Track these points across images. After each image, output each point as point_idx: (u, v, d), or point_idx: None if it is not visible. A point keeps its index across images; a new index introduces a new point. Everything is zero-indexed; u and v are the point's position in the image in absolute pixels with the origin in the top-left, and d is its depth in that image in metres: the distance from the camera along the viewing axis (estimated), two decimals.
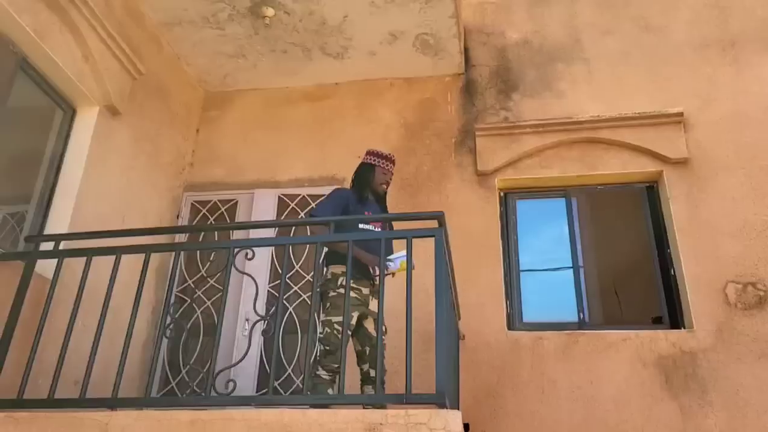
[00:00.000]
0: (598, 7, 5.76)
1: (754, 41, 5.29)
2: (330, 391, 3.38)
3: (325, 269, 3.69)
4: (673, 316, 4.61)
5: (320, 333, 3.50)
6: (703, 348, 4.31)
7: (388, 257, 3.52)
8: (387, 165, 3.93)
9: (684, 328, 4.47)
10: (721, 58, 5.29)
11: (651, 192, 5.09)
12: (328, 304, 3.53)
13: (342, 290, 3.37)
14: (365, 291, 3.65)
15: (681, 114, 5.01)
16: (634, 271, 4.97)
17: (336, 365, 3.37)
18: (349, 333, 3.51)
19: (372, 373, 3.54)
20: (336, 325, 3.42)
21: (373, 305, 3.62)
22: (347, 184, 5.29)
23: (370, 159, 3.97)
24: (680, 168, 4.91)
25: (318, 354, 3.45)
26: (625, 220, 5.22)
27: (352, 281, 3.42)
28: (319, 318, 3.64)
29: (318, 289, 3.56)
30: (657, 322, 4.66)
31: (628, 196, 5.20)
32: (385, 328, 3.62)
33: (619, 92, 5.32)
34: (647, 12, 5.62)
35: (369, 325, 3.64)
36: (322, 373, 3.39)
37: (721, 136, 4.97)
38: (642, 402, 4.21)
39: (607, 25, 5.65)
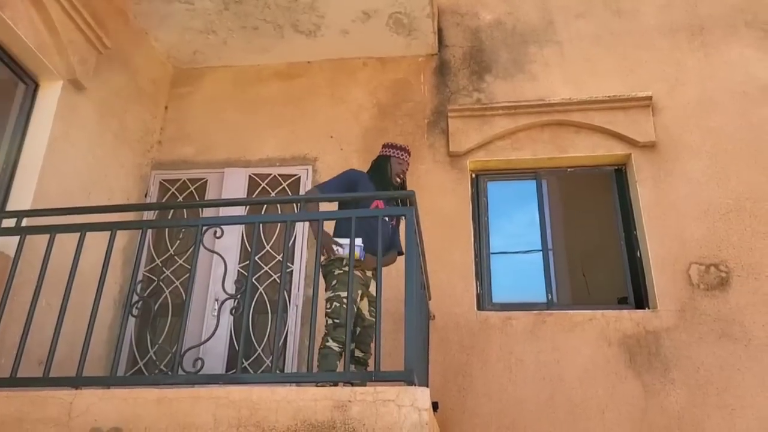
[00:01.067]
0: None
1: (723, 27, 5.37)
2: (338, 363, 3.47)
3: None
4: (638, 297, 4.71)
5: (327, 308, 3.55)
6: (666, 327, 4.41)
7: (340, 243, 3.59)
8: (402, 155, 4.04)
9: (648, 308, 4.57)
10: (689, 43, 5.36)
11: (619, 175, 5.17)
12: (335, 281, 3.58)
13: (347, 268, 3.42)
14: (368, 273, 3.72)
15: (650, 98, 5.08)
16: (602, 253, 5.06)
17: (343, 336, 3.43)
18: (355, 309, 3.60)
19: (357, 353, 3.66)
20: (345, 299, 3.46)
21: (373, 288, 3.66)
22: (319, 164, 5.30)
23: (386, 151, 4.08)
24: (648, 151, 4.99)
25: (327, 327, 3.51)
26: (594, 203, 5.29)
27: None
28: (314, 296, 3.64)
29: (323, 264, 3.64)
30: (622, 303, 4.75)
31: (597, 179, 5.27)
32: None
33: (590, 75, 5.36)
34: None
35: (363, 306, 3.72)
36: (332, 344, 3.44)
37: (688, 120, 5.05)
38: (606, 380, 4.30)
39: (580, 9, 5.68)
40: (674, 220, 4.72)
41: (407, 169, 4.09)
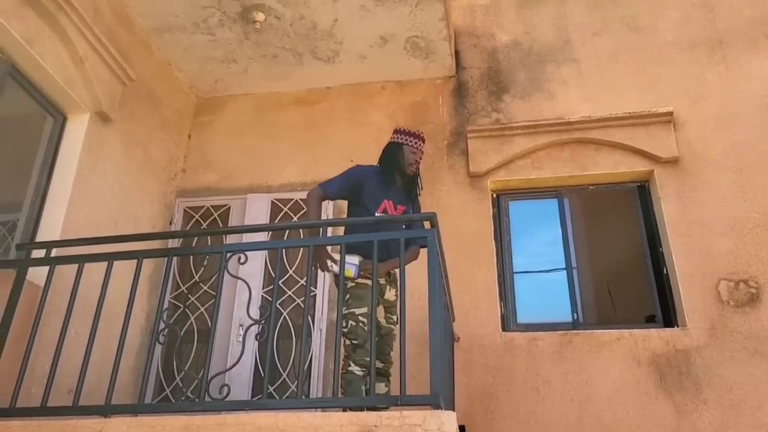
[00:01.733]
0: (587, 7, 5.79)
1: (741, 41, 5.33)
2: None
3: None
4: (667, 315, 4.63)
5: (344, 327, 3.31)
6: (696, 346, 4.32)
7: (335, 258, 3.42)
8: (416, 143, 3.66)
9: (677, 326, 4.49)
10: (709, 57, 5.33)
11: (642, 191, 5.12)
12: (348, 296, 3.35)
13: (360, 280, 3.34)
14: (381, 281, 3.52)
15: (671, 113, 5.04)
16: (627, 270, 4.99)
17: (366, 358, 3.24)
18: (380, 321, 3.46)
19: (377, 364, 3.40)
20: (360, 317, 3.30)
21: (389, 294, 3.56)
22: None
23: (397, 137, 3.70)
24: (671, 167, 4.94)
25: (346, 349, 3.31)
26: (618, 220, 5.24)
27: (368, 271, 3.35)
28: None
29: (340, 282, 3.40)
30: (650, 321, 4.67)
31: (619, 196, 5.22)
32: (396, 318, 3.55)
33: (609, 92, 5.35)
34: (636, 12, 5.66)
35: (380, 314, 3.50)
36: (354, 369, 3.25)
37: (710, 134, 5.00)
38: (637, 401, 4.22)
39: (597, 26, 5.69)
40: (700, 236, 4.65)
41: (421, 159, 3.72)
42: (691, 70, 5.30)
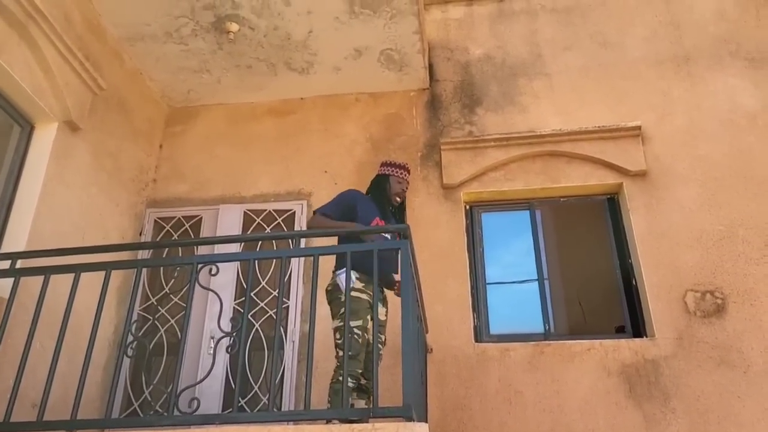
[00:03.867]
0: (558, 23, 5.90)
1: (707, 57, 5.48)
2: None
3: (333, 274, 3.66)
4: (636, 325, 4.70)
5: (338, 339, 3.45)
6: (664, 356, 4.39)
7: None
8: (402, 174, 3.96)
9: (646, 336, 4.56)
10: (675, 73, 5.46)
11: (612, 203, 5.21)
12: (343, 309, 3.36)
13: (354, 293, 3.43)
14: None
15: (639, 127, 5.15)
16: (598, 282, 5.06)
17: (360, 370, 3.40)
18: (367, 336, 3.52)
19: (363, 381, 3.51)
20: (355, 329, 3.40)
21: (380, 312, 3.63)
22: (314, 199, 5.33)
23: (385, 170, 4.00)
24: (639, 180, 5.04)
25: (339, 359, 3.40)
26: (588, 232, 5.32)
27: (362, 285, 3.54)
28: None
29: (327, 290, 3.62)
30: (620, 332, 4.74)
31: (590, 208, 5.30)
32: (384, 338, 3.72)
33: (580, 106, 5.44)
34: (605, 28, 5.79)
35: (370, 329, 3.57)
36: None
37: (677, 149, 5.12)
38: (607, 410, 4.27)
39: (567, 41, 5.80)
40: (668, 248, 4.74)
41: (407, 188, 4.01)
42: (659, 85, 5.43)
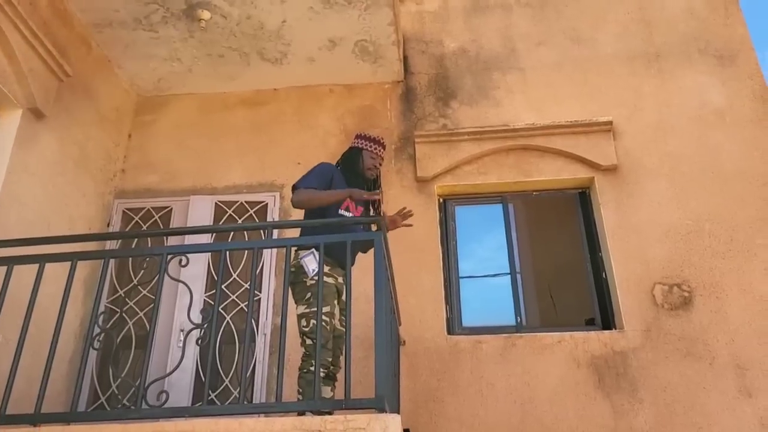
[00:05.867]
0: (532, 18, 5.93)
1: (677, 54, 5.57)
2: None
3: (293, 255, 3.37)
4: (605, 318, 4.76)
5: (304, 326, 3.27)
6: (632, 347, 4.46)
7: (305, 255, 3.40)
8: (376, 148, 3.74)
9: (615, 328, 4.62)
10: (646, 69, 5.54)
11: (583, 197, 5.27)
12: (309, 294, 3.29)
13: (324, 279, 3.16)
14: (340, 279, 3.47)
15: (610, 123, 5.21)
16: (568, 275, 5.12)
17: (329, 359, 3.30)
18: (333, 322, 3.39)
19: (330, 368, 3.40)
20: (324, 316, 3.17)
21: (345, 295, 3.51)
22: (286, 191, 5.27)
23: (357, 142, 3.77)
24: (610, 174, 5.10)
25: (306, 348, 3.24)
26: (560, 225, 5.37)
27: (328, 268, 3.37)
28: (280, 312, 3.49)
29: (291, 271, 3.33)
30: (590, 324, 4.80)
31: (562, 202, 5.35)
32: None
33: (553, 101, 5.48)
34: (578, 24, 5.83)
35: (336, 315, 3.46)
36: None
37: (647, 144, 5.19)
38: (576, 401, 4.32)
39: (541, 36, 5.83)
40: (637, 242, 4.81)
41: (381, 164, 3.81)
42: (630, 81, 5.50)
